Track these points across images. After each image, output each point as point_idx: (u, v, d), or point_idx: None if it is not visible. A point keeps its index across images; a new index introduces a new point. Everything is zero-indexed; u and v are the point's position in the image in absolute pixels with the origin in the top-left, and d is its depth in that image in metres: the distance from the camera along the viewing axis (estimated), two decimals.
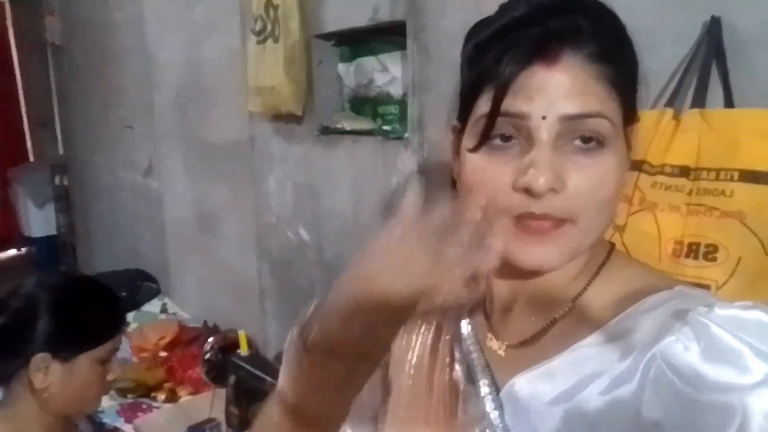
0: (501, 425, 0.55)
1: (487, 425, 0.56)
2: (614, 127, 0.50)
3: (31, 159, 5.28)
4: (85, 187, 3.77)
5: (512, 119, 0.50)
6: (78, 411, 1.07)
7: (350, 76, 1.66)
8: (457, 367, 0.61)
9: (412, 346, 0.65)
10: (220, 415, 1.49)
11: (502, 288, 0.60)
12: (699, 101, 0.85)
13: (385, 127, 1.52)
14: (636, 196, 0.86)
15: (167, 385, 2.08)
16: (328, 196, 1.77)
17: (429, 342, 0.65)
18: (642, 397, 0.45)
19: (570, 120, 0.49)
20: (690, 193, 0.80)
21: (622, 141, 0.52)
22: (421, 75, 1.38)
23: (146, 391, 2.06)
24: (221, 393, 1.50)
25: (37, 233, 4.55)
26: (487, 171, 0.51)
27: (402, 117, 1.52)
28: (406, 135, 1.44)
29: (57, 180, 4.24)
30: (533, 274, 0.55)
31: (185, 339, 2.35)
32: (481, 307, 0.63)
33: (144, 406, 1.99)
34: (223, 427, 1.47)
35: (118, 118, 3.09)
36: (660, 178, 0.82)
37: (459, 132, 0.57)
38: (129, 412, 1.93)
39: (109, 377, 1.07)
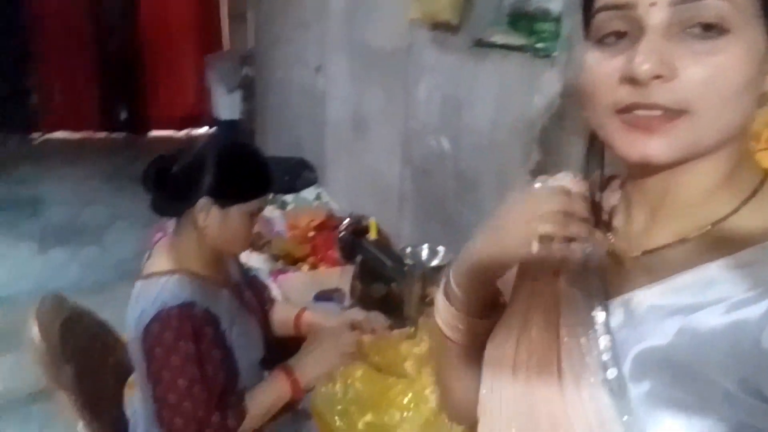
0: (605, 332, 0.54)
1: (590, 329, 0.55)
2: (739, 11, 0.45)
3: (226, 48, 5.85)
4: (264, 79, 4.16)
5: (621, 11, 0.48)
6: (227, 250, 1.31)
7: None
8: (564, 278, 0.60)
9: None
10: (345, 287, 1.70)
11: (633, 203, 0.58)
12: None
13: (538, 45, 1.53)
14: (765, 133, 0.84)
15: (311, 259, 2.38)
16: (471, 110, 1.84)
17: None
18: (763, 324, 0.43)
19: (682, 4, 0.45)
20: None
21: (755, 29, 0.46)
22: None
23: (293, 261, 2.38)
24: (349, 269, 1.71)
25: (224, 116, 5.12)
26: (597, 68, 0.50)
27: (557, 35, 1.51)
28: (554, 54, 1.44)
29: (245, 70, 4.70)
30: (664, 186, 0.53)
31: (331, 224, 2.62)
32: (606, 223, 0.61)
33: (290, 272, 2.31)
34: (347, 296, 1.68)
35: (297, 18, 3.33)
36: None
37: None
38: (277, 274, 2.25)
39: (254, 230, 1.30)
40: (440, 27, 1.92)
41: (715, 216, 0.52)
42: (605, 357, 0.53)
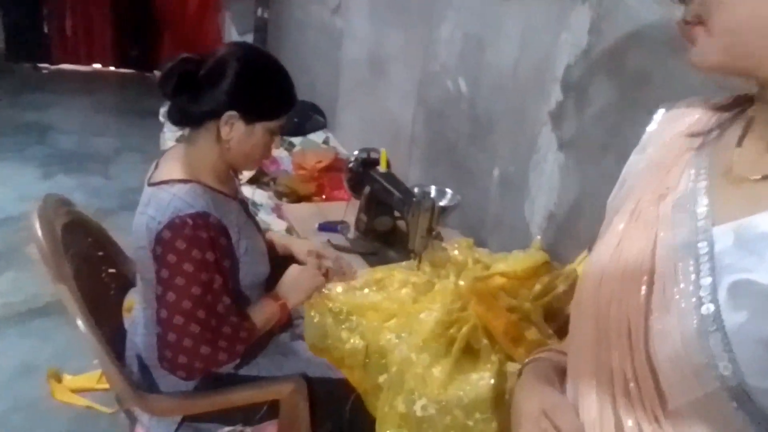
0: (709, 258, 0.53)
1: (688, 254, 0.54)
2: None
3: None
4: (280, 21, 4.07)
5: None
6: (243, 165, 1.30)
7: None
8: (669, 199, 0.59)
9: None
10: (351, 220, 1.68)
11: (760, 112, 0.57)
12: None
13: None
14: None
15: (316, 198, 2.36)
16: (494, 49, 1.78)
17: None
18: None
19: None
20: None
21: None
22: None
23: (297, 198, 2.36)
24: (355, 203, 1.68)
25: None
26: None
27: None
28: None
29: (259, 11, 4.59)
30: None
31: (338, 166, 2.59)
32: (732, 141, 0.60)
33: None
34: (352, 228, 1.66)
35: None
36: None
37: None
38: (280, 211, 2.23)
39: (273, 147, 1.28)
40: None
41: None
42: (703, 285, 0.51)
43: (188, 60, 1.17)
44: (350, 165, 1.63)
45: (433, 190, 1.82)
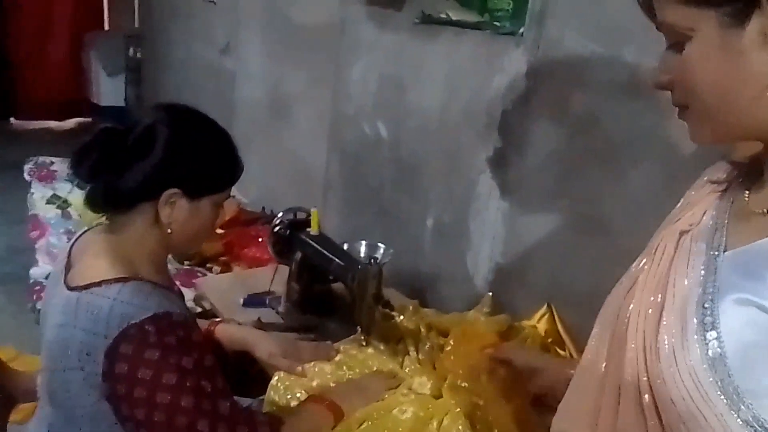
0: (712, 278, 0.55)
1: (701, 275, 0.57)
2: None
3: (107, 27, 5.29)
4: (157, 60, 3.76)
5: None
6: (188, 249, 1.11)
7: None
8: (691, 232, 0.63)
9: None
10: (280, 290, 1.49)
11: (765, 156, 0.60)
12: None
13: (495, 22, 1.41)
14: None
15: (223, 258, 2.11)
16: (416, 92, 1.69)
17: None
18: None
19: None
20: None
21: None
22: None
23: (202, 261, 2.10)
24: (284, 269, 1.49)
25: (105, 102, 4.62)
26: None
27: (514, 14, 1.39)
28: (520, 31, 1.33)
29: (131, 51, 4.24)
30: None
31: (243, 219, 2.37)
32: (746, 184, 0.64)
33: (199, 275, 2.03)
34: (282, 300, 1.47)
35: None
36: None
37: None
38: (185, 278, 1.97)
39: (218, 221, 1.09)
40: (379, 2, 1.75)
41: None
42: (707, 296, 0.54)
43: (110, 131, 0.96)
44: (276, 230, 1.44)
45: (363, 246, 1.66)
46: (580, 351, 0.86)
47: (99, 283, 0.91)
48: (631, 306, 0.62)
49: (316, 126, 2.15)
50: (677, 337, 0.53)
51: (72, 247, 1.03)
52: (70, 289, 0.93)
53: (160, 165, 0.96)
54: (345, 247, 1.54)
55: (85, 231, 1.06)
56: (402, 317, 1.36)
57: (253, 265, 2.03)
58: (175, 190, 0.98)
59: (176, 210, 0.99)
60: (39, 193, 2.63)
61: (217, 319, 1.33)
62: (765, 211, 0.57)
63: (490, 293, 1.44)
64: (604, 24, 1.18)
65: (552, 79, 1.29)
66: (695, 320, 0.53)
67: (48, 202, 2.62)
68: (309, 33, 2.17)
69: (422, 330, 1.32)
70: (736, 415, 0.47)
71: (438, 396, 1.10)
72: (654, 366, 0.55)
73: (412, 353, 1.23)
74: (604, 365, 0.62)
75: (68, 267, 0.99)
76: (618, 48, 1.16)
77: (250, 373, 1.29)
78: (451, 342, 1.24)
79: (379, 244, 1.69)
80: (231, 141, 1.07)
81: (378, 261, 1.36)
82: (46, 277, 1.33)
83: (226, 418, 0.93)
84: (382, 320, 1.34)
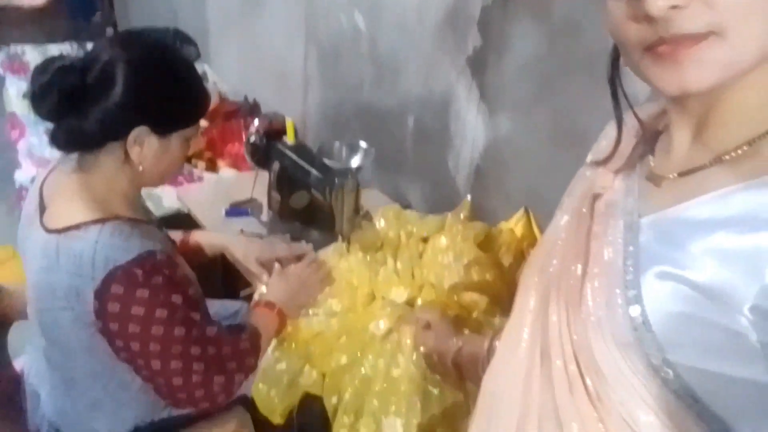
0: (635, 246, 0.54)
1: (617, 243, 0.56)
2: None
3: None
4: None
5: None
6: (161, 182, 1.09)
7: None
8: (603, 198, 0.62)
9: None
10: (261, 197, 1.50)
11: (675, 127, 0.57)
12: None
13: None
14: None
15: (207, 154, 2.10)
16: None
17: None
18: None
19: None
20: None
21: None
22: None
23: (186, 158, 2.09)
24: (264, 175, 1.49)
25: None
26: (616, 12, 0.49)
27: None
28: None
29: None
30: (706, 108, 0.52)
31: (225, 111, 2.31)
32: (649, 150, 0.62)
33: (184, 173, 2.03)
34: (264, 208, 1.49)
35: None
36: None
37: None
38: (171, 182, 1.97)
39: (190, 152, 1.08)
40: None
41: (753, 134, 0.50)
42: (629, 268, 0.53)
43: (67, 69, 0.91)
44: (252, 139, 1.42)
45: (344, 147, 1.65)
46: None
47: (77, 226, 0.92)
48: (551, 270, 0.62)
49: (291, 17, 2.03)
50: (602, 309, 0.54)
51: (42, 186, 1.02)
52: (48, 231, 0.94)
53: (122, 104, 0.92)
54: (326, 147, 1.52)
55: (55, 167, 1.05)
56: (383, 223, 1.39)
57: (239, 163, 2.02)
58: (143, 128, 0.95)
59: (145, 148, 0.97)
60: (14, 88, 2.53)
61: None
62: (676, 174, 0.55)
63: (469, 196, 1.46)
64: None
65: None
66: (618, 292, 0.52)
67: (24, 96, 2.53)
68: None
69: (402, 237, 1.36)
70: (665, 386, 0.50)
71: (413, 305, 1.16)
72: (581, 338, 0.55)
73: (390, 263, 1.27)
74: (527, 332, 0.63)
75: (42, 207, 0.99)
76: None
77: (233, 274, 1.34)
78: (429, 251, 1.28)
79: (361, 143, 1.68)
80: (194, 72, 1.02)
81: (354, 170, 1.35)
82: (32, 181, 1.34)
83: (213, 340, 0.99)
84: (362, 228, 1.37)
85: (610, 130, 0.67)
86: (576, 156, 0.74)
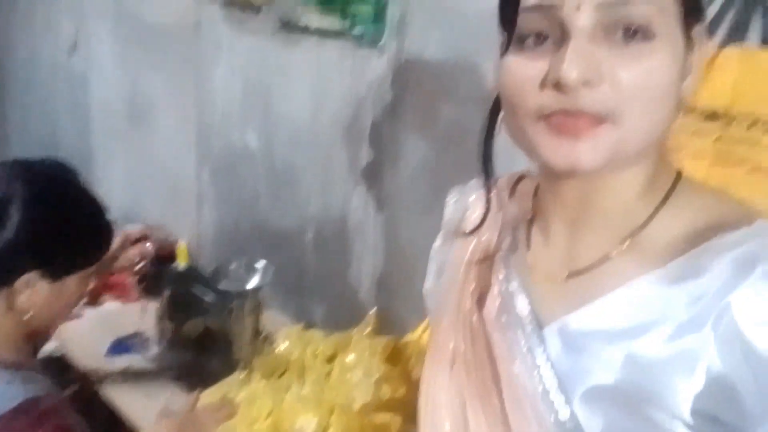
0: (546, 361, 0.51)
1: (527, 361, 0.52)
2: (664, 15, 0.44)
3: None
4: (1, 59, 3.34)
5: (545, 13, 0.45)
6: (54, 326, 0.99)
7: None
8: (489, 303, 0.57)
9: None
10: (150, 329, 1.37)
11: (550, 216, 0.55)
12: (737, 36, 0.75)
13: (355, 31, 1.34)
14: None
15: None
16: (283, 99, 1.60)
17: (459, 288, 0.61)
18: (710, 349, 0.42)
19: (608, 7, 0.43)
20: (718, 140, 0.71)
21: (678, 36, 0.46)
22: None
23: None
24: (152, 305, 1.37)
25: None
26: (518, 72, 0.47)
27: (377, 18, 1.34)
28: (381, 42, 1.28)
29: None
30: (583, 197, 0.51)
31: None
32: (523, 243, 0.58)
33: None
34: (151, 341, 1.35)
35: None
36: (686, 121, 0.73)
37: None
38: None
39: (88, 288, 0.97)
40: (234, 3, 1.63)
41: (634, 222, 0.50)
42: (552, 396, 0.49)
43: None
44: (140, 265, 1.32)
45: (241, 267, 1.57)
46: None
47: None
48: (461, 397, 0.57)
49: (181, 134, 2.00)
50: None
51: None
52: None
53: (10, 249, 0.82)
54: (221, 269, 1.44)
55: None
56: (286, 344, 1.30)
57: (125, 293, 1.87)
58: (32, 273, 0.85)
59: (35, 294, 0.86)
60: None
61: None
62: (565, 276, 0.53)
63: (375, 309, 1.41)
64: (462, 35, 1.16)
65: (418, 90, 1.26)
66: (555, 427, 0.49)
67: None
68: (163, 32, 1.99)
69: (307, 358, 1.27)
70: None
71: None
72: None
73: (295, 388, 1.17)
74: None
75: None
76: (480, 59, 1.14)
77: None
78: (336, 371, 1.20)
79: (259, 263, 1.60)
80: (99, 207, 0.94)
81: (252, 291, 1.28)
82: None
83: None
84: (264, 353, 1.27)
85: (465, 199, 0.65)
86: None
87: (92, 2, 2.35)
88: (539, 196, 0.58)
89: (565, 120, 0.45)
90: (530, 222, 0.59)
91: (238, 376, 1.22)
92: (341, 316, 1.54)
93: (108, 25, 2.28)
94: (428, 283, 0.73)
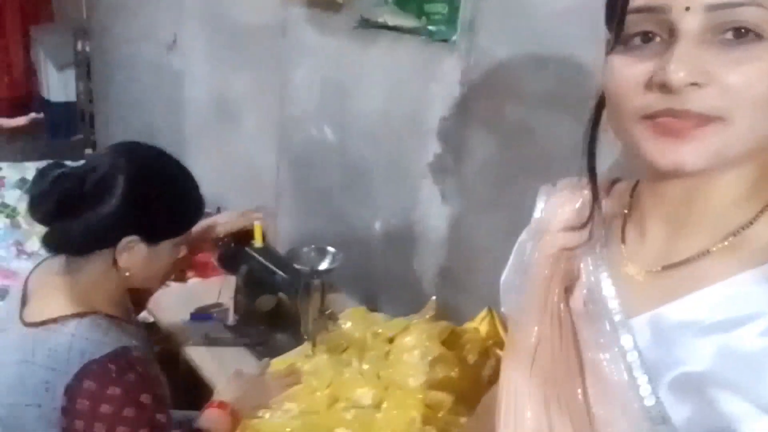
0: (633, 349, 0.51)
1: (613, 349, 0.52)
2: None
3: (55, 20, 5.09)
4: (105, 56, 3.66)
5: (653, 14, 0.46)
6: (146, 287, 1.12)
7: None
8: (577, 293, 0.57)
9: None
10: (228, 301, 1.49)
11: (648, 212, 0.55)
12: None
13: (430, 27, 1.41)
14: None
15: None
16: (359, 96, 1.68)
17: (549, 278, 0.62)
18: None
19: (717, 9, 0.43)
20: None
21: None
22: None
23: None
24: (231, 280, 1.50)
25: (55, 98, 4.46)
26: (624, 72, 0.48)
27: (451, 18, 1.40)
28: (453, 38, 1.33)
29: (79, 45, 4.10)
30: (686, 196, 0.51)
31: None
32: (617, 238, 0.59)
33: None
34: (230, 312, 1.48)
35: None
36: None
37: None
38: None
39: (180, 255, 1.09)
40: (318, 4, 1.73)
41: (736, 220, 0.50)
42: (640, 382, 0.50)
43: (66, 177, 0.95)
44: (221, 243, 1.44)
45: (312, 251, 1.67)
46: None
47: (56, 320, 0.93)
48: (544, 380, 0.57)
49: (265, 129, 2.13)
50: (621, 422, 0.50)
51: (28, 280, 1.03)
52: (26, 325, 0.94)
53: (115, 215, 0.95)
54: (293, 252, 1.54)
55: (42, 262, 1.06)
56: (349, 324, 1.38)
57: (207, 272, 2.02)
58: (133, 237, 0.97)
59: (134, 255, 0.99)
60: None
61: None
62: (660, 268, 0.53)
63: (434, 297, 1.47)
64: (532, 35, 1.20)
65: (486, 88, 1.31)
66: (640, 414, 0.49)
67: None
68: (252, 34, 2.13)
69: (368, 338, 1.35)
70: None
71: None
72: None
73: (355, 363, 1.25)
74: None
75: (24, 300, 0.99)
76: (546, 59, 1.18)
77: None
78: (394, 350, 1.27)
79: (329, 249, 1.70)
80: (192, 183, 1.06)
81: (322, 272, 1.37)
82: None
83: None
84: (328, 330, 1.36)
85: (556, 196, 0.66)
86: None
87: (189, 4, 2.54)
88: (636, 194, 0.58)
89: (671, 120, 0.45)
90: (625, 218, 0.60)
91: (304, 349, 1.32)
92: (404, 304, 1.61)
93: (202, 26, 2.47)
94: (506, 276, 0.75)
